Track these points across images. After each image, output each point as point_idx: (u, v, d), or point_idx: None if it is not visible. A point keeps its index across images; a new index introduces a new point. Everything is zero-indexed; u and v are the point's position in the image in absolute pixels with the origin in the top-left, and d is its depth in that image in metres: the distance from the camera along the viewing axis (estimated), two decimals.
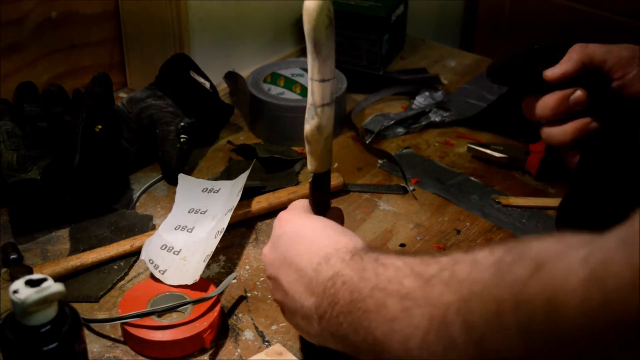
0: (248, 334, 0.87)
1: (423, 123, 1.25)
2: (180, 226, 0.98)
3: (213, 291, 0.88)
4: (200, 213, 1.00)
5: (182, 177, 1.06)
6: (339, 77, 1.25)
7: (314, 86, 0.78)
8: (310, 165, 0.82)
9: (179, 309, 0.88)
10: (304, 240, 0.74)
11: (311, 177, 0.82)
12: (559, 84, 0.86)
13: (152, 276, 0.91)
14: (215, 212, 0.99)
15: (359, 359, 0.67)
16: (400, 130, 1.24)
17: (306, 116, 0.80)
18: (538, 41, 0.91)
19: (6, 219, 1.02)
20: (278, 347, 0.84)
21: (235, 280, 0.94)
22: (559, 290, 0.47)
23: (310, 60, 0.79)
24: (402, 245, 1.01)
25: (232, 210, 0.95)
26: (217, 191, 1.03)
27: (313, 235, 0.74)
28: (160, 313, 0.87)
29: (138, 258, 0.97)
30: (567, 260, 0.49)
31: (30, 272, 0.92)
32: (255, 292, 0.93)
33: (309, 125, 0.79)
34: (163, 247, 0.95)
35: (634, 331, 0.44)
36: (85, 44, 1.25)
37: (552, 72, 0.86)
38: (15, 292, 0.65)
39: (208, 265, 0.95)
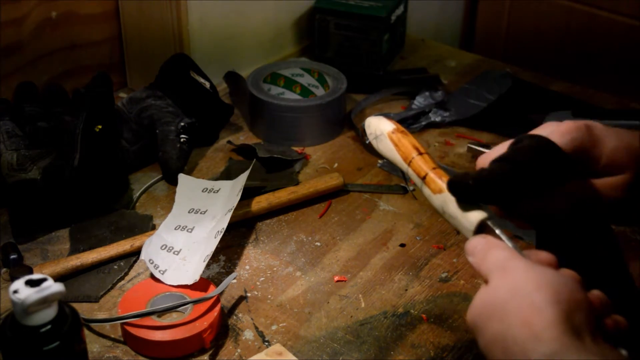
0: (248, 334, 0.87)
1: (423, 123, 1.24)
2: (180, 226, 0.98)
3: (213, 291, 0.88)
4: (200, 213, 1.00)
5: (182, 177, 1.06)
6: (339, 77, 1.25)
7: (408, 173, 0.75)
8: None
9: (179, 309, 0.88)
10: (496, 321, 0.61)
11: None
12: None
13: (152, 276, 0.91)
14: (215, 212, 0.99)
15: None
16: None
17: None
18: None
19: (6, 219, 1.02)
20: (278, 347, 0.84)
21: (235, 280, 0.94)
22: None
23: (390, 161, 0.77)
24: (402, 245, 1.01)
25: (232, 210, 0.95)
26: (217, 191, 1.03)
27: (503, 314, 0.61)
28: (160, 313, 0.87)
29: (138, 258, 0.97)
30: None
31: (30, 272, 0.92)
32: (255, 292, 0.93)
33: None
34: (163, 247, 0.95)
35: None
36: (85, 44, 1.25)
37: None
38: (15, 292, 0.66)
39: (208, 265, 0.95)
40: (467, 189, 0.69)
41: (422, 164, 0.73)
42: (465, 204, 0.69)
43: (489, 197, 0.69)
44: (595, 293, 0.63)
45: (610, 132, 0.72)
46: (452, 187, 0.70)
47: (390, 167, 1.15)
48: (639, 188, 0.72)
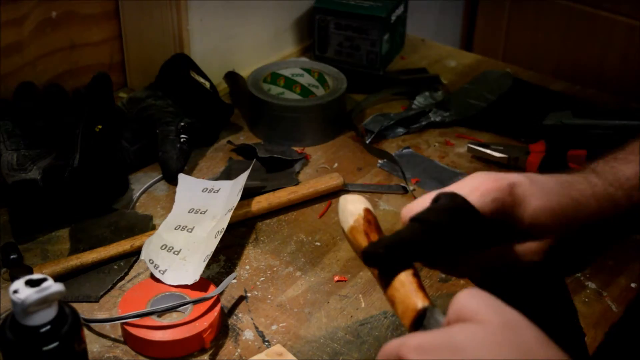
0: (248, 334, 0.87)
1: (423, 123, 1.25)
2: (180, 226, 0.98)
3: (213, 291, 0.88)
4: (200, 213, 1.00)
5: (182, 177, 1.06)
6: (339, 77, 1.25)
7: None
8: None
9: (179, 309, 0.88)
10: None
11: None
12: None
13: (152, 276, 0.92)
14: (215, 212, 0.99)
15: None
16: (400, 130, 1.24)
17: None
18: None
19: (6, 219, 1.02)
20: (278, 347, 0.84)
21: (235, 280, 0.94)
22: None
23: None
24: None
25: (232, 210, 0.95)
26: (217, 191, 1.03)
27: None
28: (160, 313, 0.87)
29: (138, 258, 0.97)
30: None
31: (30, 272, 0.92)
32: (255, 292, 0.93)
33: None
34: (163, 247, 0.95)
35: None
36: (85, 44, 1.25)
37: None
38: (15, 292, 0.65)
39: (208, 265, 0.95)
40: (379, 259, 0.66)
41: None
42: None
43: (401, 263, 0.66)
44: None
45: (536, 191, 0.68)
46: (365, 257, 0.66)
47: (390, 167, 1.15)
48: (559, 253, 0.68)
